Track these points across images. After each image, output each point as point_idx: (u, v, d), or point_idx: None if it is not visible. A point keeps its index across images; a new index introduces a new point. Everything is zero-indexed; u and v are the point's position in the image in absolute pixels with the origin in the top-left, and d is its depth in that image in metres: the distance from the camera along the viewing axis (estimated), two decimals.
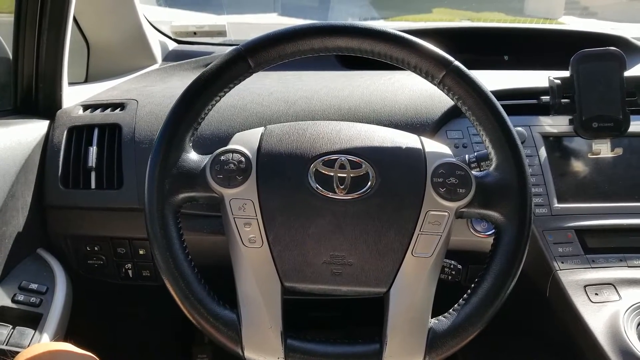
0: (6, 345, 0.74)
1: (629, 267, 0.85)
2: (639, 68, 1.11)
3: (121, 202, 0.88)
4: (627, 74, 0.90)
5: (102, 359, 0.67)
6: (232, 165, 0.64)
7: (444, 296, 0.67)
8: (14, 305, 0.80)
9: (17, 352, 0.66)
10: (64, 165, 0.90)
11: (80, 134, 0.92)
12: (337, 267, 0.62)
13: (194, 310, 0.62)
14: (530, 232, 0.63)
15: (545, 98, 0.93)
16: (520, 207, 0.63)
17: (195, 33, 1.36)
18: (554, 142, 0.93)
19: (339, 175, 0.63)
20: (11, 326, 0.77)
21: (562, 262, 0.85)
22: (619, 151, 0.90)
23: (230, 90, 0.66)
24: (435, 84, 0.65)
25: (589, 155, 0.91)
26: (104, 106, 0.98)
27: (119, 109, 0.96)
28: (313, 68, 1.11)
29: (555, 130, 0.93)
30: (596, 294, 0.82)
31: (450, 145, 0.87)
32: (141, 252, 0.94)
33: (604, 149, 0.90)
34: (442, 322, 0.62)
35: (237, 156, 0.64)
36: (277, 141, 0.66)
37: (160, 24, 1.35)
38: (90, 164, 0.89)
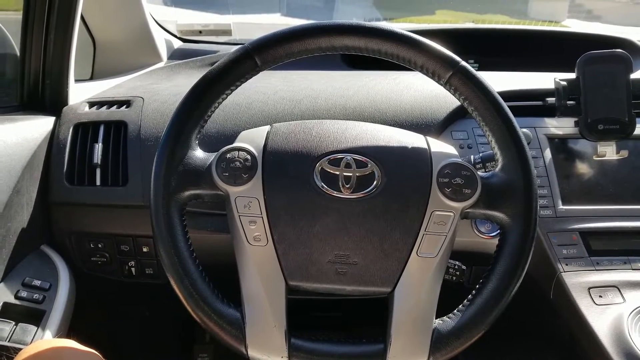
0: (9, 341, 0.74)
1: (633, 269, 0.85)
2: None
3: (126, 200, 0.88)
4: (633, 76, 0.89)
5: (105, 356, 0.67)
6: (238, 163, 0.63)
7: (448, 297, 0.67)
8: (17, 302, 0.80)
9: (20, 349, 0.66)
10: (70, 162, 0.90)
11: (86, 130, 0.92)
12: (342, 267, 0.62)
13: (197, 308, 0.62)
14: (535, 234, 0.63)
15: (551, 100, 0.92)
16: (526, 208, 0.63)
17: (200, 32, 1.37)
18: (559, 143, 0.93)
19: (344, 174, 0.63)
20: (14, 323, 0.77)
21: (567, 264, 0.85)
22: (625, 153, 0.90)
23: (237, 88, 0.66)
24: (441, 84, 0.65)
25: (594, 158, 0.91)
26: (110, 103, 0.98)
27: (124, 106, 0.96)
28: (318, 68, 1.11)
29: (560, 132, 0.93)
30: (600, 296, 0.81)
31: (455, 145, 0.87)
32: (145, 249, 0.94)
33: (609, 151, 0.90)
34: (446, 322, 0.62)
35: (243, 154, 0.64)
36: (283, 139, 0.66)
37: (165, 23, 1.35)
38: (95, 161, 0.89)
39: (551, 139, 0.93)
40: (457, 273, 0.77)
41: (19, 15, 0.92)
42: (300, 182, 0.63)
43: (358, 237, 0.62)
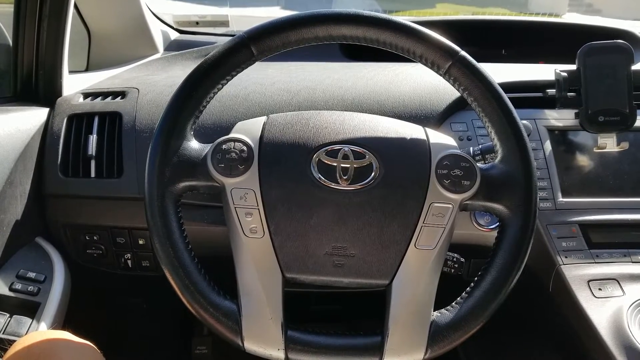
0: (3, 334, 0.74)
1: (633, 262, 0.85)
2: None
3: (121, 191, 0.88)
4: (634, 67, 0.89)
5: (101, 349, 0.66)
6: (233, 154, 0.63)
7: (447, 290, 0.66)
8: (11, 294, 0.79)
9: (14, 341, 0.66)
10: (64, 154, 0.89)
11: (80, 122, 0.91)
12: (339, 259, 0.61)
13: (193, 301, 0.61)
14: (535, 226, 0.62)
15: (551, 91, 0.91)
16: (525, 200, 0.62)
17: (197, 23, 1.35)
18: (559, 135, 0.92)
19: (342, 165, 0.62)
20: (8, 315, 0.77)
21: (566, 257, 0.84)
22: (625, 145, 0.90)
23: (232, 78, 0.65)
24: (441, 74, 0.64)
25: (595, 150, 0.91)
26: (105, 94, 0.97)
27: (119, 97, 0.95)
28: (316, 59, 1.10)
29: (560, 124, 0.92)
30: (600, 289, 0.81)
31: (454, 137, 0.86)
32: (141, 242, 0.93)
33: (609, 143, 0.89)
34: (444, 315, 0.62)
35: (239, 145, 0.63)
36: (279, 130, 0.65)
37: (162, 14, 1.33)
38: (90, 153, 0.88)
39: (551, 130, 0.92)
40: (456, 265, 0.76)
41: (11, 8, 0.90)
42: (297, 173, 0.62)
43: (355, 229, 0.61)
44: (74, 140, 0.90)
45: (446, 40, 0.63)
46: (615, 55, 0.88)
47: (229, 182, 0.62)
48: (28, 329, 0.76)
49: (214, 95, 0.65)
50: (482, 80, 0.63)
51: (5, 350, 0.64)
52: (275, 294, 0.61)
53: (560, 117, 0.92)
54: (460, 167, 0.63)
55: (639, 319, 0.76)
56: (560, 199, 0.88)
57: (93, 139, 0.89)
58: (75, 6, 1.04)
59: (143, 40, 1.23)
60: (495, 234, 0.65)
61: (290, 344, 0.60)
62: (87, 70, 1.22)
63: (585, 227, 0.87)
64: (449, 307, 0.62)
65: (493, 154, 0.68)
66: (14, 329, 0.75)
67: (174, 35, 1.34)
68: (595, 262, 0.84)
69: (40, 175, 0.89)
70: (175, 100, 0.63)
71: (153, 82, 0.99)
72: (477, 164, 0.64)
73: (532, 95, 0.94)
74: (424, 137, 0.66)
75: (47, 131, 0.90)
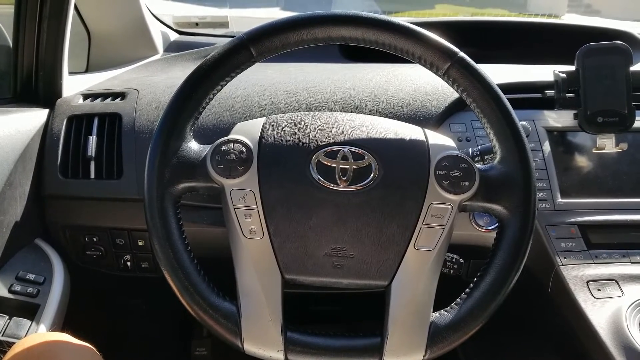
0: (2, 335, 0.74)
1: (632, 263, 0.85)
2: None
3: (120, 193, 0.88)
4: (632, 68, 0.89)
5: (100, 351, 0.66)
6: (233, 156, 0.63)
7: (446, 290, 0.66)
8: (10, 296, 0.79)
9: (13, 343, 0.66)
10: (63, 155, 0.89)
11: (80, 123, 0.91)
12: (338, 260, 0.61)
13: (192, 302, 0.61)
14: (534, 226, 0.63)
15: (550, 92, 0.92)
16: (524, 201, 0.62)
17: (197, 24, 1.35)
18: (558, 136, 0.92)
19: (341, 166, 0.62)
20: (7, 317, 0.76)
21: (565, 258, 0.84)
22: (624, 146, 0.90)
23: (232, 79, 0.65)
24: (439, 76, 0.65)
25: (594, 150, 0.91)
26: (105, 95, 0.97)
27: (119, 98, 0.95)
28: (315, 60, 1.10)
29: (559, 125, 0.92)
30: (599, 289, 0.81)
31: (453, 138, 0.86)
32: (140, 243, 0.93)
33: (608, 144, 0.89)
34: (443, 316, 0.62)
35: (238, 146, 0.63)
36: (278, 131, 0.65)
37: (162, 15, 1.33)
38: (89, 154, 0.88)
39: (550, 131, 0.92)
40: (455, 266, 0.76)
41: (11, 9, 0.90)
42: (296, 174, 0.62)
43: (355, 230, 0.61)
44: (73, 141, 0.90)
45: (445, 42, 0.63)
46: (614, 56, 0.88)
47: (228, 183, 0.62)
48: (27, 331, 0.76)
49: (214, 97, 0.65)
50: (481, 82, 0.63)
51: (4, 352, 0.64)
52: (275, 295, 0.61)
53: (559, 118, 0.92)
54: (459, 168, 0.63)
55: (638, 319, 0.76)
56: (559, 200, 0.88)
57: (93, 140, 0.89)
58: (75, 7, 1.03)
59: (143, 41, 1.23)
60: (494, 234, 0.65)
61: (289, 345, 0.60)
62: (87, 71, 1.23)
63: (584, 227, 0.87)
64: (448, 308, 0.63)
65: (492, 155, 0.68)
66: (13, 331, 0.75)
67: (173, 36, 1.34)
68: (594, 263, 0.84)
69: (39, 176, 0.89)
70: (174, 101, 0.63)
71: (153, 83, 0.99)
72: (476, 165, 0.64)
73: (531, 96, 0.94)
74: (423, 138, 0.66)
75: (46, 132, 0.90)
